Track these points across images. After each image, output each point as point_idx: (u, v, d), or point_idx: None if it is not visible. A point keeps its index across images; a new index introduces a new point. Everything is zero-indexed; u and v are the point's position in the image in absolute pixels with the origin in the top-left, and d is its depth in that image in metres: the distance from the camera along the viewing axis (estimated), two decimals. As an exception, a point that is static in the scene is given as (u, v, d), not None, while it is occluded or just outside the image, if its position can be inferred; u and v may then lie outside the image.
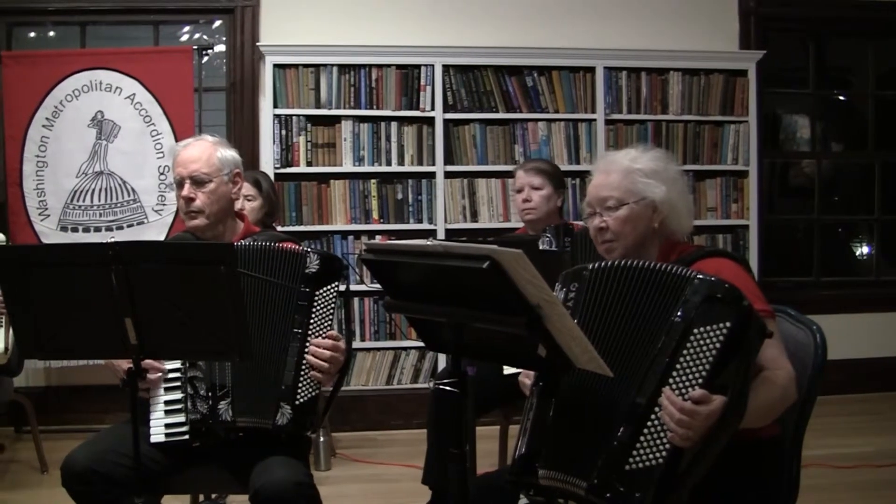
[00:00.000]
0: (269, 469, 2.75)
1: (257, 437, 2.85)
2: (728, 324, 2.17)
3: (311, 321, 2.84)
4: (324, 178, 5.63)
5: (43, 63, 5.53)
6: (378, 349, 5.68)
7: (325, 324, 2.86)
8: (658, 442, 2.18)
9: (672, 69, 5.89)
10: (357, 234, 5.64)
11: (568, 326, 2.08)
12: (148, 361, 2.77)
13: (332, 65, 5.62)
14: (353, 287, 5.49)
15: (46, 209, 5.49)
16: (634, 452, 2.20)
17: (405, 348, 5.68)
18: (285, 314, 2.85)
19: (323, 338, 2.84)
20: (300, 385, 2.83)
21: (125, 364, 2.64)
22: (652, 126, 5.88)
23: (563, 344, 2.09)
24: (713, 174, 5.97)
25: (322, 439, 4.91)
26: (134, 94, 5.48)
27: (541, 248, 3.54)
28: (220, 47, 5.89)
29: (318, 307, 2.86)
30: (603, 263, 2.45)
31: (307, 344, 2.83)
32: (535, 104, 5.77)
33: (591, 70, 5.80)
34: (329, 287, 2.87)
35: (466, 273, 2.04)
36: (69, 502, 2.86)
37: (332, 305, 2.86)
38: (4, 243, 4.44)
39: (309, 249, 2.90)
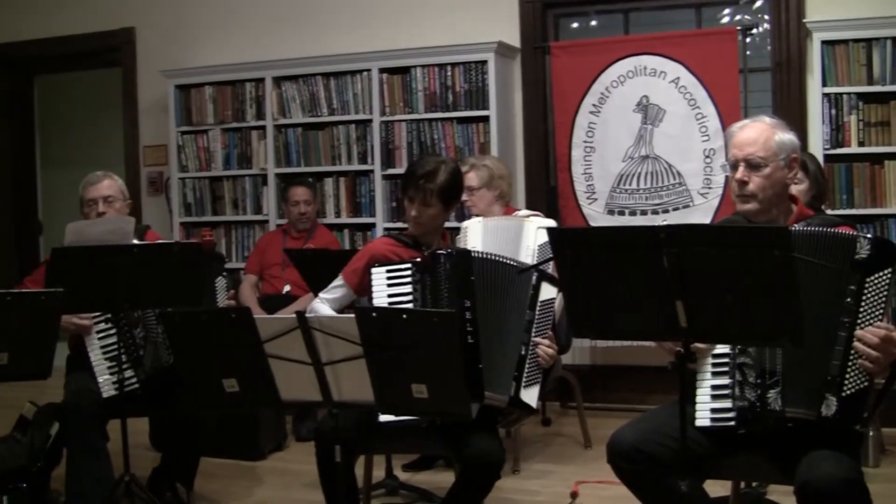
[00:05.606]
0: (818, 463, 2.66)
1: (804, 427, 2.76)
2: None
3: (861, 309, 2.68)
4: (877, 159, 5.32)
5: (589, 51, 5.75)
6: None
7: (876, 312, 2.68)
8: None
9: None
10: (914, 219, 5.29)
11: None
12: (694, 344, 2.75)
13: (885, 38, 5.26)
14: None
15: (594, 193, 5.72)
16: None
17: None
18: (832, 300, 2.71)
19: (873, 327, 2.66)
20: (847, 376, 2.69)
21: (676, 346, 2.66)
22: None
23: None
24: None
25: (871, 433, 4.67)
26: (678, 78, 5.51)
27: None
28: (764, 26, 5.76)
29: (869, 294, 2.68)
30: None
31: (855, 332, 2.68)
32: None
33: None
34: (881, 274, 2.68)
35: None
36: (610, 477, 2.97)
37: (885, 293, 2.67)
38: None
39: (859, 234, 2.73)
